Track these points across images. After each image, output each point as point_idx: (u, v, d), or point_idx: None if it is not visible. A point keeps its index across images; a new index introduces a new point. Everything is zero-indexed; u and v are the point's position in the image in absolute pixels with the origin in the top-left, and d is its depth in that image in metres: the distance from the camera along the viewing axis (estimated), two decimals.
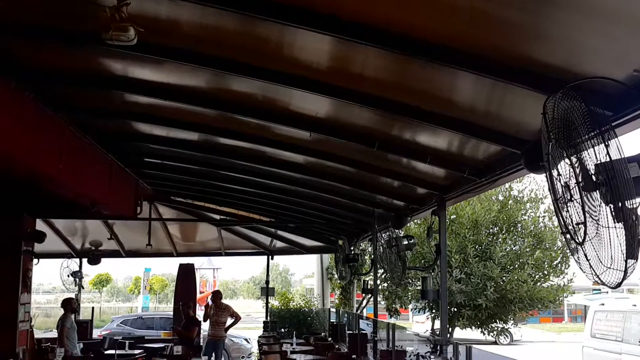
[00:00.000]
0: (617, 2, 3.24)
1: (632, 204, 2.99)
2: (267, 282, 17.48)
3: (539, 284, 18.09)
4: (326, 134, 6.71)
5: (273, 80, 5.34)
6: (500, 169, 6.08)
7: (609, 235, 3.12)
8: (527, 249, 17.86)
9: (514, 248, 18.11)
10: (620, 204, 2.96)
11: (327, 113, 6.35)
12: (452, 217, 17.94)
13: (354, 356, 11.06)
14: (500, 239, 18.05)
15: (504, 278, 17.72)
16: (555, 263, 18.36)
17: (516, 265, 17.85)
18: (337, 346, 12.94)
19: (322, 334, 15.82)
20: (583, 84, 3.69)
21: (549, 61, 3.96)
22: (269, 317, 16.98)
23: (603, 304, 15.83)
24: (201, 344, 13.22)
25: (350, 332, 13.79)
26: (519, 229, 18.44)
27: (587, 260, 3.27)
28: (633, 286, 38.82)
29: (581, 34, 3.60)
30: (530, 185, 19.35)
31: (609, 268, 3.12)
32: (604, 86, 3.81)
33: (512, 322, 20.84)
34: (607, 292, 32.00)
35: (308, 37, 4.43)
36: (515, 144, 5.34)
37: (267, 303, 17.44)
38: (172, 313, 17.57)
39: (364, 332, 13.13)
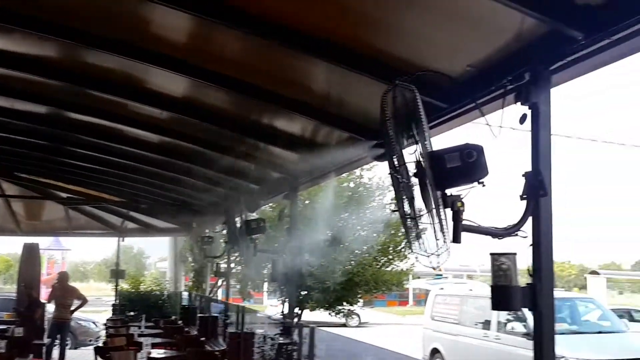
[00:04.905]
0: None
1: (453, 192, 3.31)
2: (117, 264, 17.04)
3: (383, 267, 18.93)
4: (182, 114, 6.67)
5: (128, 56, 5.24)
6: (348, 156, 6.33)
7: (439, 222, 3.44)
8: (374, 234, 18.59)
9: (362, 233, 18.77)
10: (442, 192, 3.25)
11: (184, 92, 6.31)
12: (306, 202, 18.30)
13: (202, 339, 11.07)
14: (350, 224, 18.65)
15: (351, 262, 18.36)
16: (399, 248, 19.27)
17: (363, 250, 18.54)
18: (187, 329, 12.88)
19: (173, 317, 15.66)
20: (423, 76, 3.98)
21: (394, 52, 4.23)
22: (117, 300, 16.55)
23: (442, 288, 16.87)
24: (45, 326, 12.64)
25: (202, 315, 13.78)
26: (368, 215, 19.14)
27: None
28: (472, 272, 41.76)
29: (423, 27, 3.87)
30: (380, 173, 20.10)
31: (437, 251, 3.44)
32: (440, 79, 4.13)
33: (359, 304, 21.65)
34: (447, 277, 34.20)
35: (166, 13, 4.38)
36: (362, 132, 5.61)
37: (116, 286, 16.95)
38: (15, 294, 16.60)
39: (215, 315, 13.17)
